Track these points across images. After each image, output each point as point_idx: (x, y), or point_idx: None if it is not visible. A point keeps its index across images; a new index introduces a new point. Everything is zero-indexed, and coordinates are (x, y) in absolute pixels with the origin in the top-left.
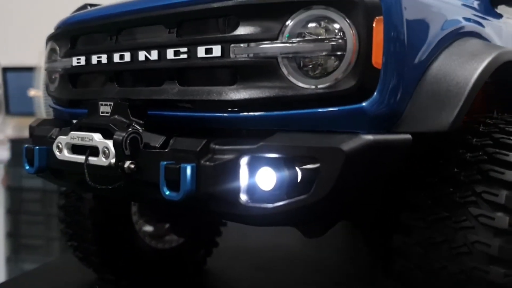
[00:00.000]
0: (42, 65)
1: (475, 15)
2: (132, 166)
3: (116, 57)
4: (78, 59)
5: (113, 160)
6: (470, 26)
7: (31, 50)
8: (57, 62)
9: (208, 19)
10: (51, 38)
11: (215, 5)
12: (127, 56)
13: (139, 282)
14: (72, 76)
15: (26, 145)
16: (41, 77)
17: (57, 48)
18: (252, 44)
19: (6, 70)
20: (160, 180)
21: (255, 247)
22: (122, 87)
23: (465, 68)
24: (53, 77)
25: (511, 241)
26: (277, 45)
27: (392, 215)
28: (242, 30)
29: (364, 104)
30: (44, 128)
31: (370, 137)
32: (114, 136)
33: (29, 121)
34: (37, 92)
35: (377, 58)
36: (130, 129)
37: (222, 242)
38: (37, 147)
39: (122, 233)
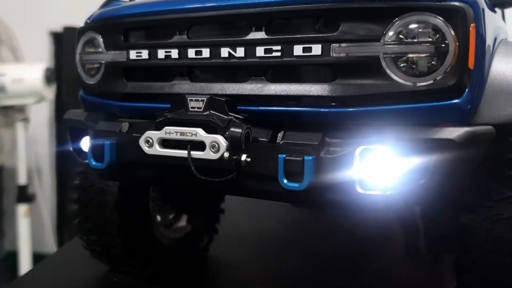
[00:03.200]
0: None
1: (496, 18)
2: (249, 159)
3: (191, 53)
4: (138, 52)
5: (226, 154)
6: (500, 29)
7: None
8: (100, 54)
9: (304, 19)
10: (89, 29)
11: (319, 6)
12: (205, 52)
13: (157, 272)
14: (126, 70)
15: (93, 141)
16: None
17: (99, 39)
18: (355, 44)
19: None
20: (279, 172)
21: (251, 233)
22: (196, 82)
23: None
24: (89, 69)
25: None
26: (380, 45)
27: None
28: (344, 31)
29: (458, 100)
30: (105, 122)
31: (471, 129)
32: (231, 132)
33: None
34: None
35: (472, 60)
36: (244, 125)
37: (221, 229)
38: (108, 142)
39: (143, 224)
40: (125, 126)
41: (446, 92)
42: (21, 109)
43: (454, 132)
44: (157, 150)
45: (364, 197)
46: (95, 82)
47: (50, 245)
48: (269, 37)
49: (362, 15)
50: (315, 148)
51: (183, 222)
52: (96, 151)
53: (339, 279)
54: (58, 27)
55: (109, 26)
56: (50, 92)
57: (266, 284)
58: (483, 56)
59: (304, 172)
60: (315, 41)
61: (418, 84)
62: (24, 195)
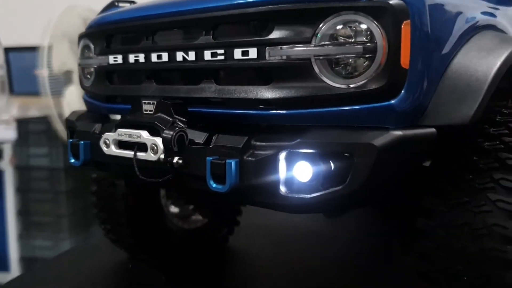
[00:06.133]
0: (45, 45)
1: (489, 7)
2: (180, 161)
3: (154, 57)
4: (115, 57)
5: (162, 156)
6: (486, 20)
7: (32, 30)
8: (92, 59)
9: (244, 23)
10: (85, 36)
11: (252, 10)
12: (165, 56)
13: (169, 260)
14: (109, 73)
15: (71, 140)
16: (44, 57)
17: (91, 45)
18: (287, 47)
19: (8, 50)
20: (207, 174)
21: (273, 225)
22: (160, 85)
23: (483, 63)
24: (87, 72)
25: None
26: (310, 47)
27: (414, 199)
28: (277, 34)
29: (392, 101)
30: (85, 123)
31: (399, 132)
32: (163, 134)
33: (33, 100)
34: (42, 72)
35: (405, 59)
36: (177, 128)
37: (242, 221)
38: (82, 142)
39: (152, 215)
40: (98, 127)
41: (378, 94)
42: None
43: (377, 137)
44: (113, 150)
45: (288, 199)
46: (89, 85)
47: None
48: (214, 41)
49: (292, 17)
50: (238, 151)
51: (199, 215)
52: (74, 149)
53: (357, 275)
54: None
55: (96, 33)
56: None
57: (280, 275)
58: (427, 54)
59: (226, 175)
60: (251, 44)
61: (350, 86)
62: None
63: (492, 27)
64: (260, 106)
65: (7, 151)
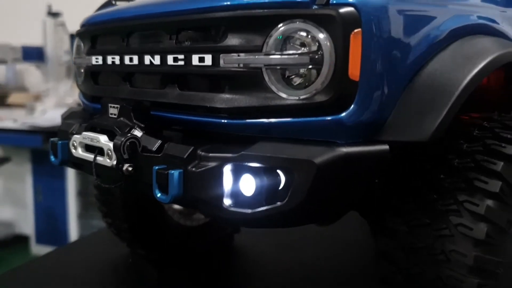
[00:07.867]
0: None
1: (489, 9)
2: (130, 168)
3: (127, 59)
4: (96, 58)
5: (115, 162)
6: (477, 25)
7: None
8: (81, 58)
9: (202, 29)
10: (77, 35)
11: (207, 16)
12: (135, 59)
13: (169, 256)
14: (93, 74)
15: (52, 139)
16: None
17: (82, 45)
18: (240, 55)
19: (74, 36)
20: (153, 183)
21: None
22: (133, 88)
23: (453, 75)
24: (80, 71)
25: (487, 252)
26: (261, 56)
27: (378, 216)
28: (230, 41)
29: (342, 115)
30: (68, 122)
31: (343, 149)
32: (114, 141)
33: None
34: None
35: (354, 71)
36: (129, 135)
37: None
38: (60, 142)
39: (151, 211)
40: (76, 127)
41: (326, 106)
42: None
43: (318, 153)
44: (79, 153)
45: (232, 213)
46: (80, 83)
47: None
48: (175, 46)
49: (244, 24)
50: (182, 161)
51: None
52: (53, 148)
53: (362, 279)
54: None
55: (85, 32)
56: None
57: (283, 275)
58: (385, 64)
59: (169, 185)
60: (207, 51)
61: (300, 98)
62: None
63: (484, 32)
64: (214, 114)
65: None
